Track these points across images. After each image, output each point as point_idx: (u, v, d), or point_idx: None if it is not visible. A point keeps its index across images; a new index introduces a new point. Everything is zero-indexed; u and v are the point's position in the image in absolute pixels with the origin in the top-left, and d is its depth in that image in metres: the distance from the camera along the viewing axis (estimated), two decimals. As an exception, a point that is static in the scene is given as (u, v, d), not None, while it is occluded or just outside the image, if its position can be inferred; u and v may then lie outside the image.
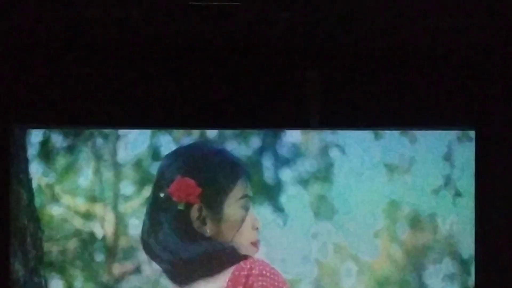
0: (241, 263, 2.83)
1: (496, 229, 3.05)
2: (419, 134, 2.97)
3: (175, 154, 2.90)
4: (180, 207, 2.85)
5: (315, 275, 2.93)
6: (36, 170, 2.92)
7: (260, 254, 2.89)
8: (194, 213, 2.85)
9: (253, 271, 2.82)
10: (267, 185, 2.92)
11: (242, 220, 2.85)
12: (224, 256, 2.83)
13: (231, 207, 2.85)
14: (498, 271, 3.04)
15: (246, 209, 2.86)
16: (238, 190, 2.86)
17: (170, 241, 2.84)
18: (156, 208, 2.86)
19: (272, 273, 2.84)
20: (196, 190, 2.85)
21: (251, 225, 2.86)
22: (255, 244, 2.85)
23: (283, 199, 2.93)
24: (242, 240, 2.85)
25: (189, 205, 2.86)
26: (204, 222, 2.84)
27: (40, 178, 2.92)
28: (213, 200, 2.84)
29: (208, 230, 2.84)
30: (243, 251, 2.85)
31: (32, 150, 2.92)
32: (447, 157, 2.98)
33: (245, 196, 2.87)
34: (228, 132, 2.93)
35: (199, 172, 2.87)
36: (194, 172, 2.87)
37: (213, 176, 2.86)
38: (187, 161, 2.88)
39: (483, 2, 2.59)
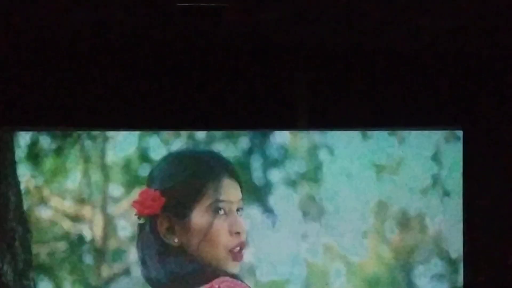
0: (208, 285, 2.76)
1: (484, 228, 3.06)
2: (407, 134, 2.98)
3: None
4: (141, 221, 2.81)
5: (304, 275, 2.93)
6: (24, 173, 2.91)
7: (249, 255, 2.89)
8: (160, 224, 2.79)
9: None
10: (256, 186, 2.92)
11: (209, 226, 2.78)
12: (199, 273, 2.77)
13: (199, 213, 2.80)
14: (486, 271, 3.05)
15: (215, 213, 2.79)
16: (209, 195, 2.80)
17: (147, 259, 2.82)
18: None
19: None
20: (159, 201, 2.82)
21: (228, 230, 2.78)
22: (233, 251, 2.77)
23: (272, 200, 2.93)
24: (218, 250, 2.77)
25: (153, 217, 2.82)
26: (172, 232, 2.79)
27: (28, 181, 2.91)
28: (180, 208, 2.80)
29: (177, 239, 2.78)
30: (219, 263, 2.77)
31: (20, 152, 2.91)
32: (435, 157, 2.98)
33: (216, 201, 2.80)
34: (217, 133, 2.92)
35: (166, 180, 2.83)
36: (159, 183, 2.83)
37: (180, 183, 2.82)
38: (155, 170, 2.85)
39: (470, 4, 2.60)
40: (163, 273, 2.78)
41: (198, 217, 2.80)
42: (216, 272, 2.76)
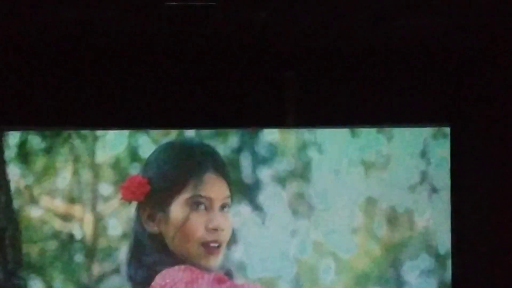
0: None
1: (471, 224, 3.07)
2: (395, 131, 2.99)
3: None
4: (124, 204, 2.86)
5: (294, 272, 2.95)
6: (14, 172, 2.91)
7: (239, 253, 2.90)
8: (142, 211, 2.84)
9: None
10: (246, 184, 2.93)
11: (186, 219, 2.81)
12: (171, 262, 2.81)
13: (178, 206, 2.82)
14: (474, 266, 3.07)
15: (194, 208, 2.82)
16: (189, 189, 2.83)
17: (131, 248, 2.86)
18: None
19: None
20: (144, 188, 2.85)
21: (205, 226, 2.81)
22: (208, 246, 2.80)
23: (262, 197, 2.94)
24: (190, 243, 2.80)
25: (138, 204, 2.85)
26: (152, 219, 2.83)
27: (18, 180, 2.91)
28: (162, 198, 2.83)
29: (156, 227, 2.82)
30: (192, 255, 2.81)
31: (10, 152, 2.91)
32: (423, 154, 3.00)
33: (195, 196, 2.82)
34: (206, 131, 2.93)
35: (154, 169, 2.86)
36: (149, 170, 2.86)
37: (166, 173, 2.85)
38: (150, 157, 2.88)
39: (459, 2, 2.61)
40: (142, 267, 2.81)
41: (177, 209, 2.82)
42: (187, 263, 2.80)
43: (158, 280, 2.78)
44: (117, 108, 3.05)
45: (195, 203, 2.82)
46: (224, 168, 2.87)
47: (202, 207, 2.81)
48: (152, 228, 2.83)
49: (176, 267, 2.79)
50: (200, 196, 2.82)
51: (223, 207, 2.83)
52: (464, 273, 3.03)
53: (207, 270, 2.81)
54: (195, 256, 2.81)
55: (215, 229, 2.81)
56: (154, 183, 2.84)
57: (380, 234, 2.97)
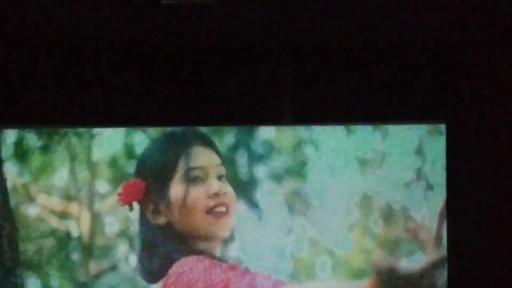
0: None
1: (467, 221, 3.08)
2: (391, 128, 3.00)
3: None
4: (128, 210, 2.87)
5: (291, 269, 2.95)
6: (10, 171, 2.91)
7: (235, 250, 2.91)
8: (146, 208, 2.85)
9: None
10: (242, 181, 2.94)
11: (186, 194, 2.82)
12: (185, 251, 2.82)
13: (175, 186, 2.83)
14: (469, 263, 3.07)
15: (191, 182, 2.83)
16: (181, 166, 2.84)
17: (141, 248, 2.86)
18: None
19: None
20: (139, 186, 2.86)
21: (205, 194, 2.82)
22: (214, 212, 2.81)
23: (258, 195, 2.95)
24: (197, 215, 2.81)
25: (141, 204, 2.86)
26: (158, 212, 2.84)
27: (15, 179, 2.91)
28: (160, 187, 2.84)
29: (163, 218, 2.83)
30: (203, 228, 2.82)
31: (6, 150, 2.91)
32: (419, 151, 3.01)
33: (189, 169, 2.83)
34: (202, 129, 2.94)
35: (143, 165, 2.88)
36: (140, 169, 2.88)
37: (155, 163, 2.86)
38: (138, 160, 2.90)
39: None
40: (155, 259, 2.82)
41: (175, 190, 2.83)
42: (201, 240, 2.81)
43: (175, 268, 2.79)
44: (113, 105, 3.05)
45: (190, 178, 2.83)
46: (209, 140, 2.88)
47: (198, 179, 2.83)
48: (159, 220, 2.84)
49: (195, 257, 2.80)
50: (193, 168, 2.83)
51: (219, 177, 2.85)
52: (460, 270, 3.04)
53: (220, 239, 2.83)
54: (204, 227, 2.82)
55: (217, 194, 2.83)
56: (147, 178, 2.85)
57: (376, 231, 2.98)
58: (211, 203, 2.82)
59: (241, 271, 2.82)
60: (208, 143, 2.88)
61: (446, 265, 2.98)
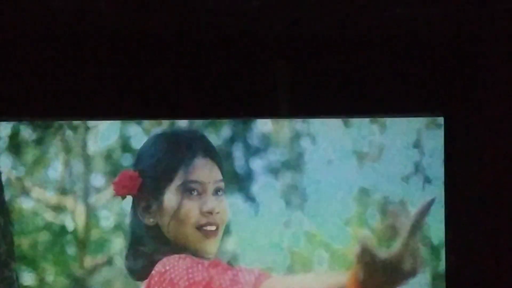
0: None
1: (465, 215, 3.08)
2: (389, 121, 2.99)
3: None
4: (120, 200, 2.84)
5: (288, 263, 2.94)
6: (5, 164, 2.90)
7: (231, 244, 2.89)
8: (137, 204, 2.82)
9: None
10: (238, 174, 2.93)
11: (179, 206, 2.78)
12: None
13: (171, 193, 2.80)
14: (468, 256, 3.07)
15: (186, 194, 2.79)
16: (180, 175, 2.80)
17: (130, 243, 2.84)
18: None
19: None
20: (136, 181, 2.83)
21: (199, 210, 2.79)
22: (205, 230, 2.78)
23: (254, 188, 2.93)
24: (186, 228, 2.78)
25: (134, 198, 2.83)
26: (148, 211, 2.81)
27: (10, 172, 2.90)
28: (156, 187, 2.81)
29: (152, 219, 2.80)
30: (189, 241, 2.79)
31: (1, 143, 2.90)
32: (417, 144, 2.99)
33: (186, 181, 2.80)
34: (198, 122, 2.92)
35: (145, 160, 2.85)
36: (140, 163, 2.85)
37: (157, 162, 2.83)
38: (140, 150, 2.86)
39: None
40: (140, 256, 2.80)
41: (170, 197, 2.80)
42: (185, 252, 2.78)
43: (158, 268, 2.77)
44: (108, 98, 3.05)
45: (187, 190, 2.80)
46: (214, 152, 2.85)
47: (195, 192, 2.80)
48: (148, 220, 2.81)
49: (176, 256, 2.78)
50: (191, 181, 2.80)
51: (216, 191, 2.82)
52: (458, 263, 3.03)
53: (206, 256, 2.79)
54: (192, 242, 2.78)
55: (210, 212, 2.79)
56: (146, 175, 2.83)
57: (374, 225, 2.97)
58: (203, 220, 2.78)
59: (223, 267, 2.79)
60: (212, 157, 2.83)
61: (444, 258, 2.97)
